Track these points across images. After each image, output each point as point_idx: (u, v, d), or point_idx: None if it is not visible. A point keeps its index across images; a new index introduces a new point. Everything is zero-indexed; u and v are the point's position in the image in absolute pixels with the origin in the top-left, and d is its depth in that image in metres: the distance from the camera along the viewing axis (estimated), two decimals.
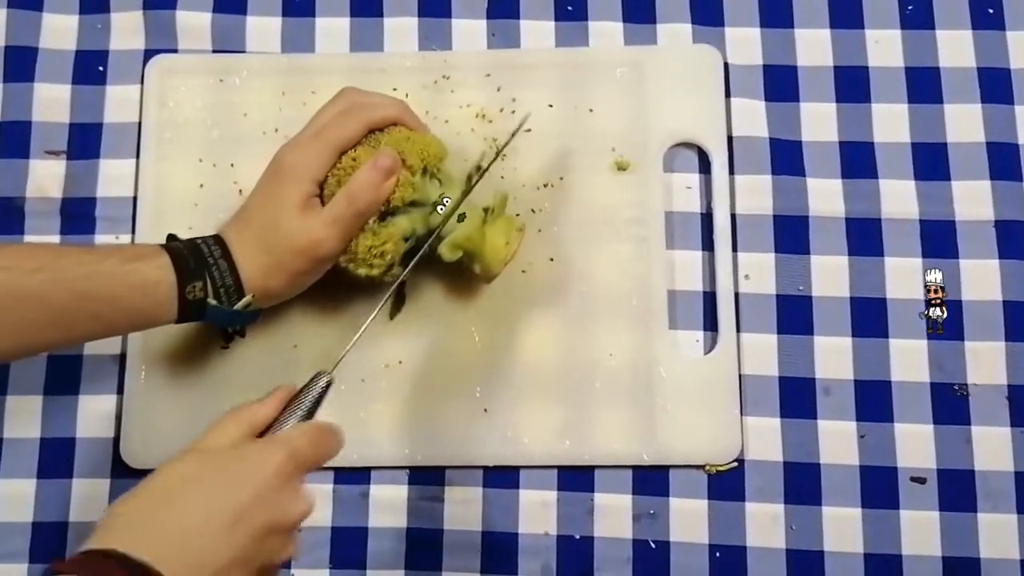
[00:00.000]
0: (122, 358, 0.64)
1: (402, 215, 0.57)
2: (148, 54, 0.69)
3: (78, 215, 0.67)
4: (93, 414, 0.64)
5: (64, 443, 0.64)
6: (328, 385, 0.51)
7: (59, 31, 0.70)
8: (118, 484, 0.63)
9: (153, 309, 0.53)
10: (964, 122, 0.67)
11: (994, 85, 0.67)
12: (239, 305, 0.55)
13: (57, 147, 0.68)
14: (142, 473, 0.62)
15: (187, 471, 0.46)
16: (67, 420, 0.64)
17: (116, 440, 0.63)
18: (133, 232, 0.66)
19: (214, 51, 0.69)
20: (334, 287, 0.59)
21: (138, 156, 0.68)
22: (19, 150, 0.68)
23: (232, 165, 0.67)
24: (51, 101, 0.69)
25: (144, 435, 0.63)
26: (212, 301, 0.54)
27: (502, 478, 0.62)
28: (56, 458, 0.63)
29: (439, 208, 0.58)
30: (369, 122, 0.57)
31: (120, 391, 0.64)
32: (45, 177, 0.68)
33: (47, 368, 0.65)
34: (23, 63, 0.70)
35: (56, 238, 0.67)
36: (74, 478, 0.63)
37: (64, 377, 0.65)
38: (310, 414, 0.51)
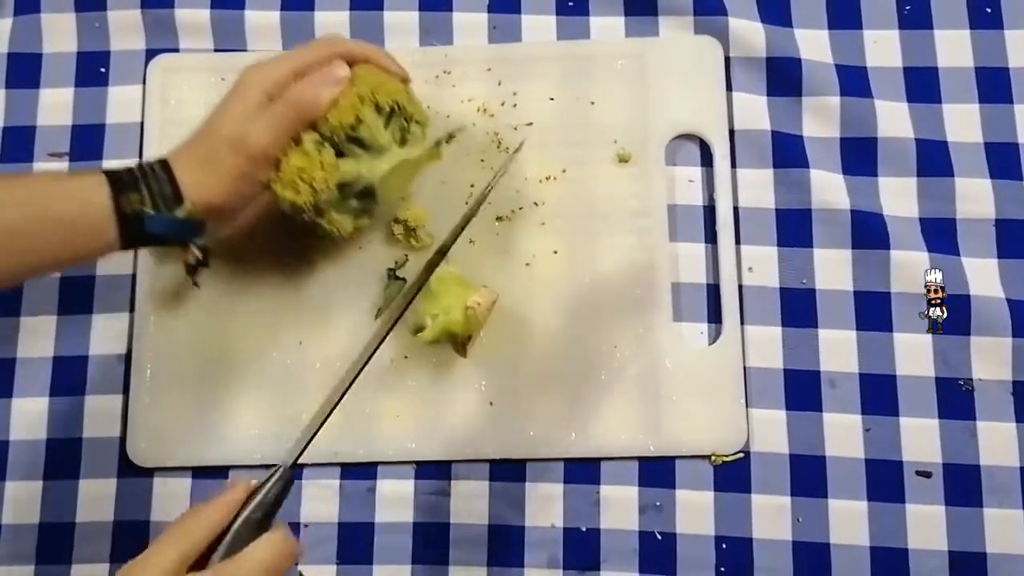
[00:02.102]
0: (128, 357, 0.65)
1: (348, 156, 0.56)
2: (149, 54, 0.70)
3: None
4: (99, 414, 0.64)
5: (70, 444, 0.64)
6: (288, 483, 0.48)
7: (60, 34, 0.70)
8: (124, 484, 0.63)
9: (91, 227, 0.52)
10: (963, 121, 0.67)
11: (993, 84, 0.68)
12: (180, 213, 0.53)
13: (60, 149, 0.68)
14: (148, 472, 0.63)
15: None
16: (73, 420, 0.64)
17: (122, 440, 0.63)
18: None
19: (215, 50, 0.70)
20: (339, 285, 0.59)
21: (141, 156, 0.68)
22: (22, 154, 0.68)
23: None
24: (54, 104, 0.69)
25: (150, 434, 0.63)
26: (149, 211, 0.53)
27: (508, 471, 0.62)
28: (62, 459, 0.64)
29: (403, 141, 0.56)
30: (338, 52, 0.56)
31: (126, 391, 0.64)
32: None
33: (53, 368, 0.65)
34: (25, 69, 0.70)
35: None
36: (80, 479, 0.63)
37: (70, 377, 0.65)
38: (269, 515, 0.48)
